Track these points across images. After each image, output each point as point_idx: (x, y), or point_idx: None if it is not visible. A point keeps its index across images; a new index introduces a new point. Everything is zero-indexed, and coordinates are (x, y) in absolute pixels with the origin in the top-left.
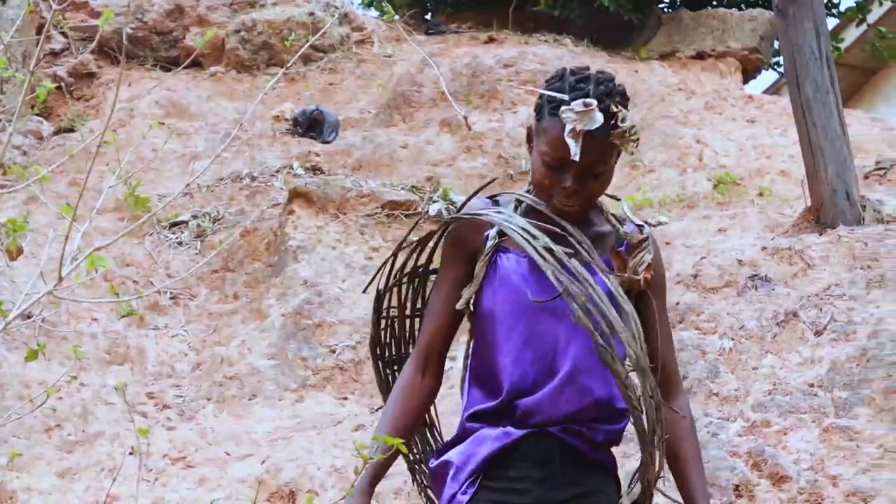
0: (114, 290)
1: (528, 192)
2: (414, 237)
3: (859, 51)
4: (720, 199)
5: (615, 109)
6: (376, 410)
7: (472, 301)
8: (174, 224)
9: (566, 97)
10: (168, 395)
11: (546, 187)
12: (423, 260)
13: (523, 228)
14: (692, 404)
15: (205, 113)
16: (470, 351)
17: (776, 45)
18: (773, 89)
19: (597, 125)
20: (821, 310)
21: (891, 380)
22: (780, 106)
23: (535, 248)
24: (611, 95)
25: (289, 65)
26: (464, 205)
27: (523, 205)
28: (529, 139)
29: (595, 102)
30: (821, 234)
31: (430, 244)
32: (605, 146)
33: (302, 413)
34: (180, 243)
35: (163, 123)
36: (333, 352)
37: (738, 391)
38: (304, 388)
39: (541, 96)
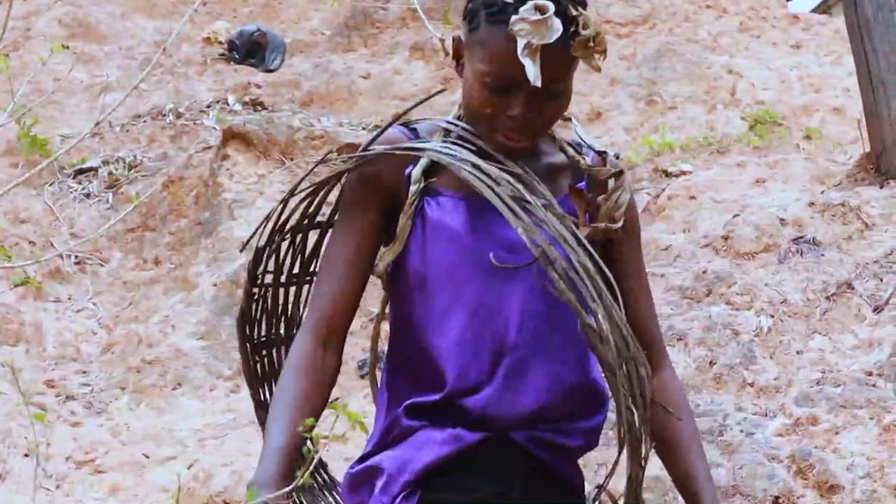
0: (4, 252)
1: (458, 116)
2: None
3: None
4: (757, 143)
5: (574, 12)
6: (334, 401)
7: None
8: (80, 171)
9: (510, 0)
10: (72, 384)
11: (486, 117)
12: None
13: (473, 164)
14: (723, 395)
15: (118, 33)
16: (389, 325)
17: None
18: (824, 7)
19: (556, 35)
20: (881, 280)
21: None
22: (832, 28)
23: (497, 195)
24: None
25: None
26: (375, 137)
27: (451, 136)
28: (458, 54)
29: (551, 6)
30: (882, 187)
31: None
32: (563, 60)
33: (238, 406)
34: (87, 195)
35: (66, 47)
36: None
37: (778, 381)
38: (241, 376)
39: None
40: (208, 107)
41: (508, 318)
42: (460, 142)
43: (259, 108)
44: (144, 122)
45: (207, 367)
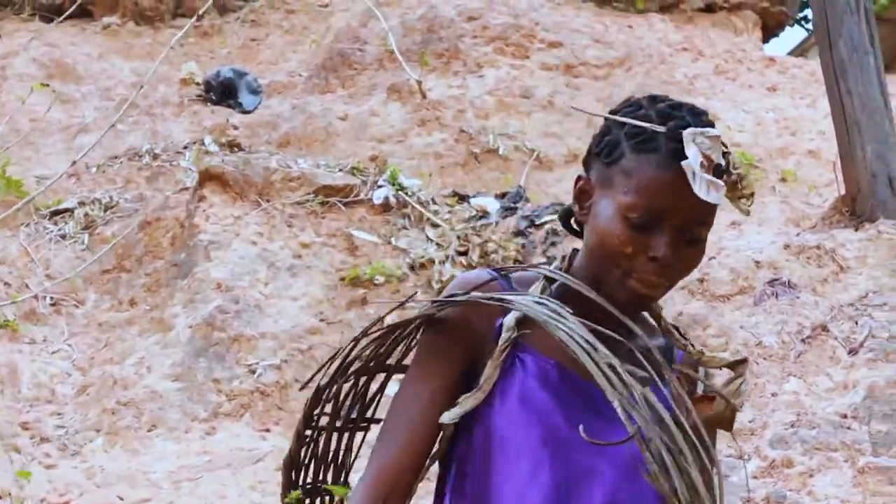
0: None
1: (561, 268)
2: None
3: None
4: None
5: (725, 150)
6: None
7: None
8: (56, 213)
9: (660, 128)
10: (47, 426)
11: (624, 257)
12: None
13: (579, 334)
14: None
15: (95, 74)
16: (447, 489)
17: None
18: (800, 50)
19: (722, 162)
20: (856, 323)
21: None
22: (807, 70)
23: (596, 363)
24: (710, 124)
25: (200, 12)
26: (464, 285)
27: (552, 287)
28: (585, 195)
29: (715, 131)
30: (856, 230)
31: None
32: (711, 203)
33: (213, 448)
34: (63, 237)
35: (46, 85)
36: (253, 372)
37: (753, 423)
38: (217, 418)
39: (606, 129)
40: (185, 148)
41: (592, 499)
42: (559, 301)
43: (236, 149)
44: (121, 163)
45: (183, 409)
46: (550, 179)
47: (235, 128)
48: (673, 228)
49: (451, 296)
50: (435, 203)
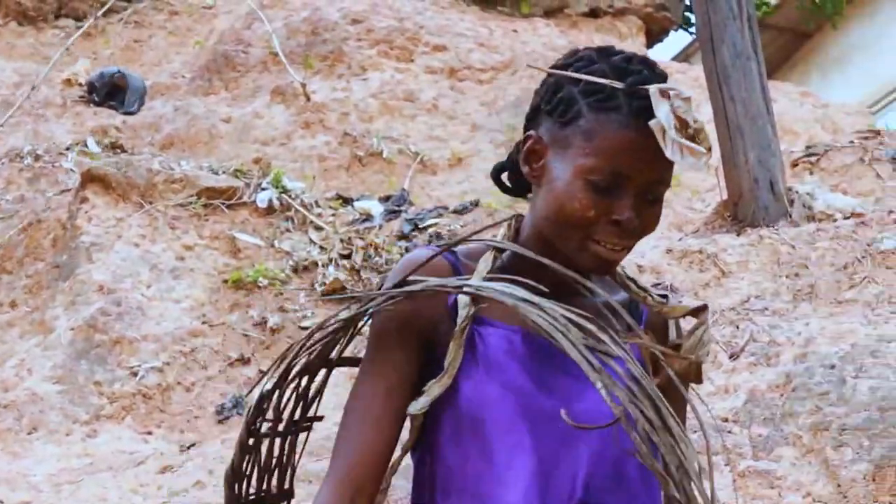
0: None
1: (507, 237)
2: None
3: (792, 8)
4: None
5: (681, 104)
6: (188, 448)
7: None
8: None
9: (619, 84)
10: None
11: (586, 222)
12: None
13: (550, 314)
14: None
15: None
16: (425, 480)
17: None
18: (684, 55)
19: (695, 120)
20: (737, 327)
21: (820, 414)
22: (691, 76)
23: (572, 342)
24: (664, 78)
25: (100, 13)
26: (410, 267)
27: (502, 258)
28: (536, 155)
29: (680, 90)
30: (738, 234)
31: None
32: (668, 159)
33: (94, 451)
34: None
35: None
36: (135, 375)
37: None
38: (98, 420)
39: (555, 85)
40: (67, 149)
41: (576, 473)
42: (512, 271)
43: (118, 150)
44: (2, 164)
45: (64, 412)
46: (434, 183)
47: (118, 129)
48: (635, 189)
49: (401, 283)
50: (318, 206)
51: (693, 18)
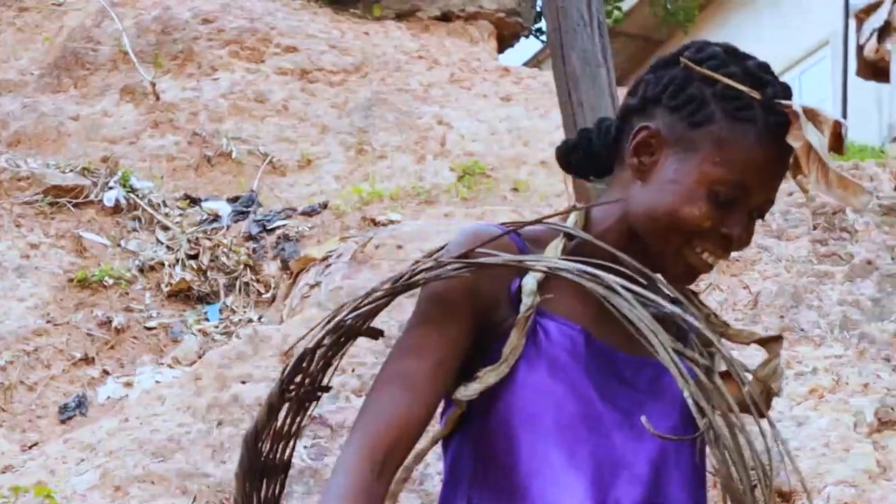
0: None
1: (580, 224)
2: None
3: (644, 15)
4: (465, 194)
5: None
6: (29, 448)
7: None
8: None
9: (756, 94)
10: None
11: (697, 231)
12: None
13: (641, 312)
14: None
15: None
16: (462, 475)
17: (539, 5)
18: (536, 61)
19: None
20: None
21: None
22: (541, 81)
23: (663, 346)
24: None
25: None
26: (475, 240)
27: (569, 246)
28: (645, 148)
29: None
30: None
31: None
32: (784, 173)
33: None
34: None
35: None
36: None
37: None
38: None
39: (684, 79)
40: None
41: (636, 482)
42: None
43: None
44: None
45: None
46: (283, 184)
47: None
48: (750, 206)
49: (463, 256)
50: (166, 206)
51: (544, 25)
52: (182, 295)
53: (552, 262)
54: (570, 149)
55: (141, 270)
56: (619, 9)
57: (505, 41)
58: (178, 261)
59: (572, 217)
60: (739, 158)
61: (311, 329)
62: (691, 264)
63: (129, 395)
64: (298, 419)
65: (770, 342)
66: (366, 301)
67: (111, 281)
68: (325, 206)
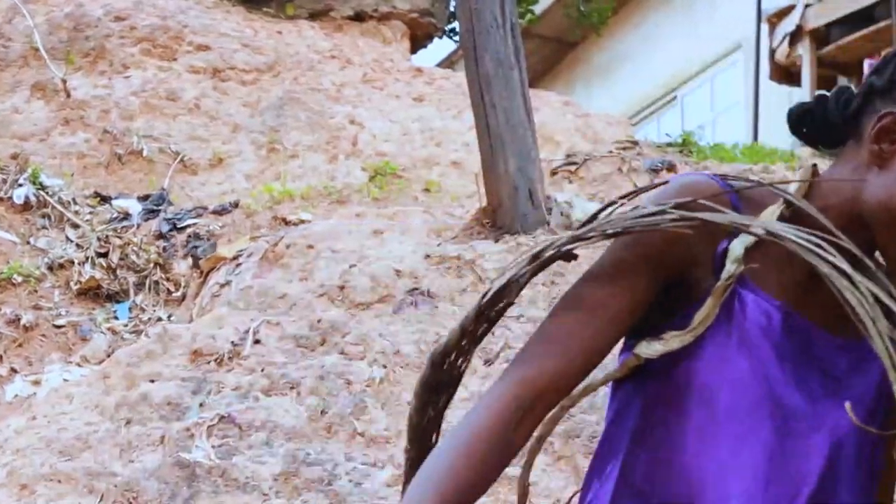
0: None
1: (804, 192)
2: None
3: (558, 17)
4: (377, 195)
5: None
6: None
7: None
8: None
9: None
10: None
11: None
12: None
13: (856, 285)
14: (333, 445)
15: None
16: (626, 429)
17: (453, 7)
18: (450, 62)
19: None
20: (493, 334)
21: (571, 421)
22: (454, 82)
23: (880, 334)
24: None
25: None
26: (692, 192)
27: (786, 214)
28: (887, 135)
29: None
30: (497, 241)
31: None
32: None
33: None
34: None
35: None
36: None
37: (388, 431)
38: None
39: None
40: None
41: (807, 475)
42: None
43: None
44: None
45: None
46: (195, 183)
47: None
48: None
49: (681, 206)
50: (76, 203)
51: (458, 26)
52: (91, 293)
53: (776, 227)
54: (805, 112)
55: (50, 268)
56: (531, 12)
57: (418, 42)
58: (87, 259)
59: (793, 187)
60: None
61: (514, 260)
62: None
63: (37, 393)
64: (481, 333)
65: None
66: (566, 240)
67: (20, 279)
68: (236, 205)
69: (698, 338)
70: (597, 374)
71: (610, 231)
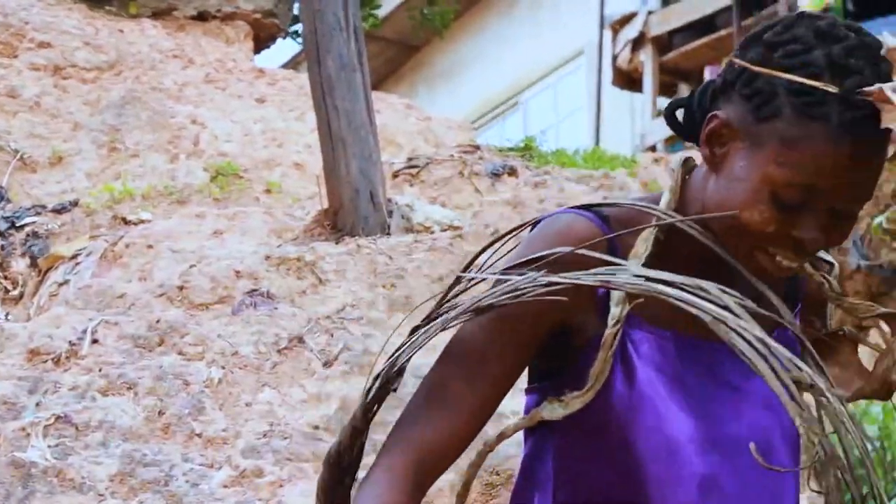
0: None
1: (675, 200)
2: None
3: (402, 20)
4: (218, 195)
5: None
6: None
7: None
8: None
9: (833, 88)
10: None
11: (762, 236)
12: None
13: (753, 335)
14: (170, 446)
15: None
16: (553, 470)
17: (297, 8)
18: (294, 63)
19: None
20: (332, 335)
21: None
22: (297, 84)
23: (776, 375)
24: (890, 73)
25: None
26: (566, 241)
27: (659, 235)
28: (716, 139)
29: None
30: (337, 243)
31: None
32: (878, 168)
33: None
34: None
35: None
36: None
37: (226, 432)
38: None
39: (754, 60)
40: None
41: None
42: (669, 245)
43: None
44: None
45: None
46: (34, 181)
47: None
48: (828, 206)
49: (551, 264)
50: None
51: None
52: None
53: (640, 284)
54: (678, 107)
55: None
56: (374, 16)
57: (262, 42)
58: None
59: (665, 197)
60: (807, 160)
61: (396, 351)
62: (763, 268)
63: None
64: (370, 417)
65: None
66: (438, 325)
67: None
68: (75, 203)
69: (599, 393)
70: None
71: (482, 306)
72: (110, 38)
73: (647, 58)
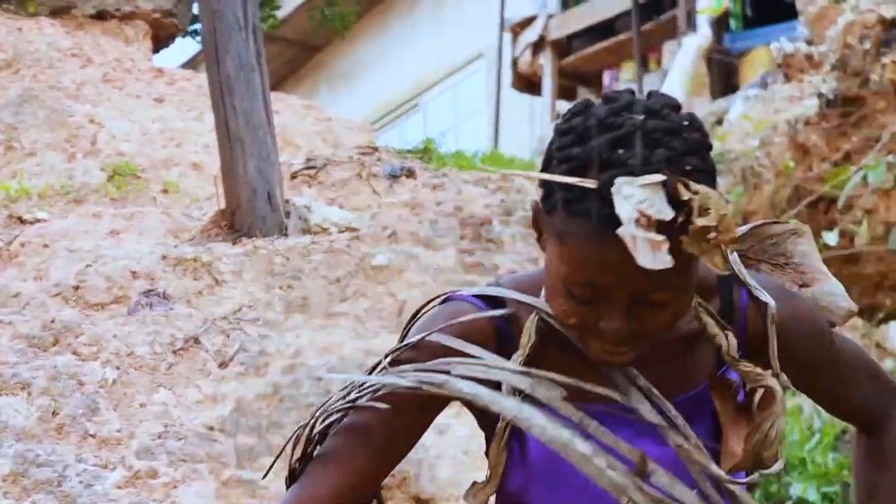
0: None
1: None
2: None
3: (303, 20)
4: (115, 195)
5: (685, 194)
6: None
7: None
8: None
9: (590, 184)
10: None
11: (574, 329)
12: None
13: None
14: (64, 446)
15: None
16: None
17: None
18: (194, 63)
19: (667, 216)
20: (228, 336)
21: None
22: (196, 83)
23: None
24: (677, 158)
25: None
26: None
27: (540, 324)
28: (535, 225)
29: (657, 177)
30: (234, 244)
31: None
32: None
33: None
34: None
35: None
36: None
37: (121, 433)
38: None
39: (548, 157)
40: None
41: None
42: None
43: None
44: None
45: None
46: None
47: None
48: (625, 299)
49: (439, 352)
50: None
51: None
52: None
53: (513, 404)
54: None
55: None
56: (274, 16)
57: (161, 42)
58: None
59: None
60: (577, 257)
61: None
62: (597, 355)
63: None
64: None
65: (766, 400)
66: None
67: None
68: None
69: (502, 482)
70: None
71: (367, 398)
72: (8, 36)
73: (546, 61)
